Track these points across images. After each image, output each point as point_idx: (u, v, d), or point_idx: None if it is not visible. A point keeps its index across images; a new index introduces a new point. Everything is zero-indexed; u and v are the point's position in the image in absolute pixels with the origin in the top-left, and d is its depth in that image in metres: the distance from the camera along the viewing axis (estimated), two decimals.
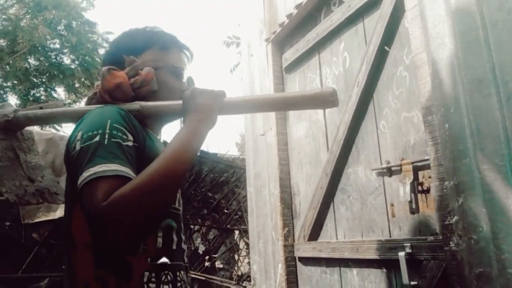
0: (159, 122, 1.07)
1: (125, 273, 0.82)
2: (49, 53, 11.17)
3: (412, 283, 1.52)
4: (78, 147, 0.81)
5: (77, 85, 11.53)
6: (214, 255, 5.79)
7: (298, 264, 2.36)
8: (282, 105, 1.00)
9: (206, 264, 5.69)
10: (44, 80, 11.32)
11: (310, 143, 2.35)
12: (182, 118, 0.96)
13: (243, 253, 5.94)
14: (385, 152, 1.78)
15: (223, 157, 6.28)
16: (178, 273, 0.90)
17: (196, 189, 5.80)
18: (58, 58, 11.36)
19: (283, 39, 2.63)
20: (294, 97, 0.97)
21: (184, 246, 0.97)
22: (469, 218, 1.27)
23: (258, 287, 2.68)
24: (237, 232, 6.01)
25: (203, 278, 5.33)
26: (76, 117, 0.96)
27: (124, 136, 0.83)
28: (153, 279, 0.84)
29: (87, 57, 11.07)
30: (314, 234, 2.20)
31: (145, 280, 0.83)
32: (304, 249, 2.26)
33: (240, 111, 0.99)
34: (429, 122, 1.45)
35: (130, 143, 0.83)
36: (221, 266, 5.90)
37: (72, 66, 11.15)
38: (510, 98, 1.17)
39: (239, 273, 5.84)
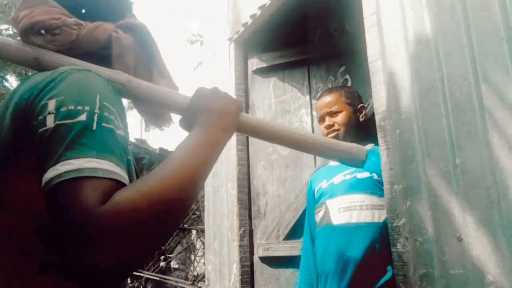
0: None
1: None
2: None
3: None
4: (50, 123, 0.56)
5: (30, 73, 10.99)
6: (170, 255, 5.69)
7: (260, 264, 2.36)
8: (313, 149, 0.88)
9: (161, 264, 5.59)
10: None
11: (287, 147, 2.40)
12: (181, 119, 0.77)
13: (200, 253, 5.89)
14: None
15: None
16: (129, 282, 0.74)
17: None
18: None
19: (248, 39, 2.63)
20: (329, 147, 0.87)
21: None
22: (415, 221, 1.33)
23: (212, 287, 2.66)
24: (194, 232, 5.95)
25: (157, 279, 5.24)
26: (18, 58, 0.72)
27: (116, 122, 0.60)
28: None
29: None
30: (294, 233, 2.23)
31: None
32: (277, 249, 2.29)
33: (254, 135, 0.83)
34: (382, 127, 1.50)
35: (121, 132, 0.61)
36: (176, 266, 5.81)
37: None
38: (456, 107, 1.23)
39: (195, 273, 5.78)
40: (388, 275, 1.52)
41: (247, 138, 2.56)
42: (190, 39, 7.67)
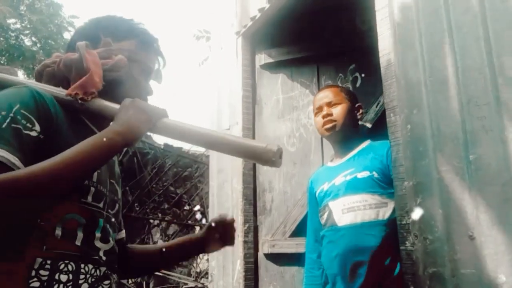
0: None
1: (14, 256, 0.78)
2: (9, 33, 10.62)
3: None
4: None
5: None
6: None
7: (265, 261, 2.34)
8: (220, 147, 0.95)
9: None
10: (3, 62, 10.77)
11: (295, 144, 2.37)
12: None
13: None
14: None
15: (188, 152, 6.19)
16: (83, 265, 0.85)
17: (158, 183, 5.68)
18: (18, 39, 10.83)
19: (256, 34, 2.59)
20: (235, 144, 0.92)
21: (99, 244, 0.91)
22: (426, 219, 1.29)
23: (215, 284, 2.63)
24: (198, 228, 5.93)
25: (160, 274, 5.23)
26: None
27: (28, 125, 0.79)
28: (47, 266, 0.80)
29: (50, 40, 10.61)
30: (301, 230, 2.20)
31: (36, 266, 0.79)
32: (282, 245, 2.26)
33: (174, 137, 0.93)
34: (392, 122, 1.46)
35: (33, 134, 0.80)
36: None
37: (34, 49, 10.66)
38: (470, 101, 1.20)
39: (198, 269, 5.77)
40: (399, 268, 1.50)
41: (253, 133, 2.53)
42: (196, 34, 7.64)
